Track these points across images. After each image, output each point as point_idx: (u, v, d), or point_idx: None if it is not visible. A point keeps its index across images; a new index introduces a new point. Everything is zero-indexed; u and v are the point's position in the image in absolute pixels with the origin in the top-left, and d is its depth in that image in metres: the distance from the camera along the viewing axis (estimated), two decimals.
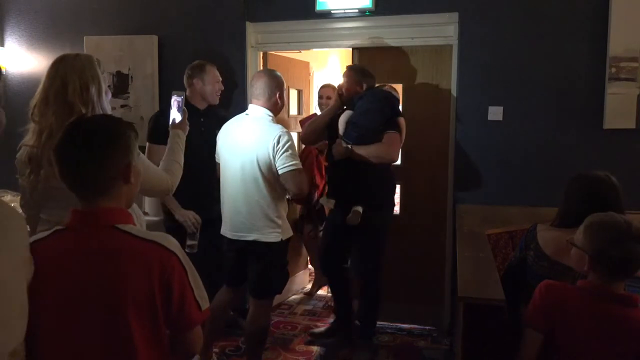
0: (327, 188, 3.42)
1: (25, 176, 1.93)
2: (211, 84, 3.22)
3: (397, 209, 3.52)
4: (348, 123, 3.05)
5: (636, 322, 1.64)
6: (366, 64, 3.46)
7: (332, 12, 3.53)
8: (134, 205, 1.65)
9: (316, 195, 4.04)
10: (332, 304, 4.09)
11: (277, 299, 3.37)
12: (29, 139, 1.93)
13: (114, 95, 3.75)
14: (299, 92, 4.97)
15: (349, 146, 2.97)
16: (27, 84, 4.01)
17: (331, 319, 3.72)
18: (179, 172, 2.12)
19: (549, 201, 2.59)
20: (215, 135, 2.87)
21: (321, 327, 3.67)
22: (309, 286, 4.49)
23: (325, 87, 4.19)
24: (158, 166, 2.06)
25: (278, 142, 2.58)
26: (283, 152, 2.58)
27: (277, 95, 2.75)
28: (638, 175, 3.02)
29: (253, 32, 3.72)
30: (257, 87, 2.74)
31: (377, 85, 3.23)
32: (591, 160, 3.05)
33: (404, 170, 3.61)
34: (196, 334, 1.34)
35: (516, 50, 3.27)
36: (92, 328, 1.22)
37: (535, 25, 3.24)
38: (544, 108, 3.26)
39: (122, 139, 1.31)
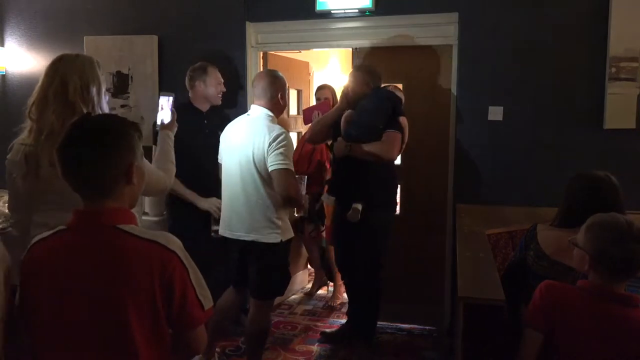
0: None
1: (21, 177, 1.89)
2: (213, 85, 3.22)
3: (397, 209, 3.52)
4: (349, 122, 3.07)
5: (636, 322, 1.64)
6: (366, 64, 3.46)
7: (332, 12, 3.52)
8: None
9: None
10: (333, 304, 4.12)
11: (277, 299, 3.36)
12: (25, 137, 1.90)
13: (114, 95, 3.76)
14: (299, 92, 4.97)
15: (349, 144, 2.99)
16: (27, 84, 4.00)
17: (342, 320, 3.71)
18: (173, 172, 2.16)
19: (549, 201, 2.60)
20: (219, 136, 2.87)
21: (333, 328, 3.66)
22: (309, 286, 4.49)
23: (322, 89, 4.12)
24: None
25: (273, 140, 2.57)
26: (275, 150, 2.56)
27: (279, 95, 2.76)
28: (638, 175, 3.02)
29: (253, 32, 3.72)
30: (259, 88, 2.74)
31: (382, 85, 3.22)
32: (591, 160, 3.05)
33: (404, 170, 3.61)
34: (199, 333, 1.32)
35: (516, 50, 3.26)
36: (92, 328, 1.22)
37: (535, 26, 3.23)
38: (544, 108, 3.26)
39: (126, 138, 1.30)
